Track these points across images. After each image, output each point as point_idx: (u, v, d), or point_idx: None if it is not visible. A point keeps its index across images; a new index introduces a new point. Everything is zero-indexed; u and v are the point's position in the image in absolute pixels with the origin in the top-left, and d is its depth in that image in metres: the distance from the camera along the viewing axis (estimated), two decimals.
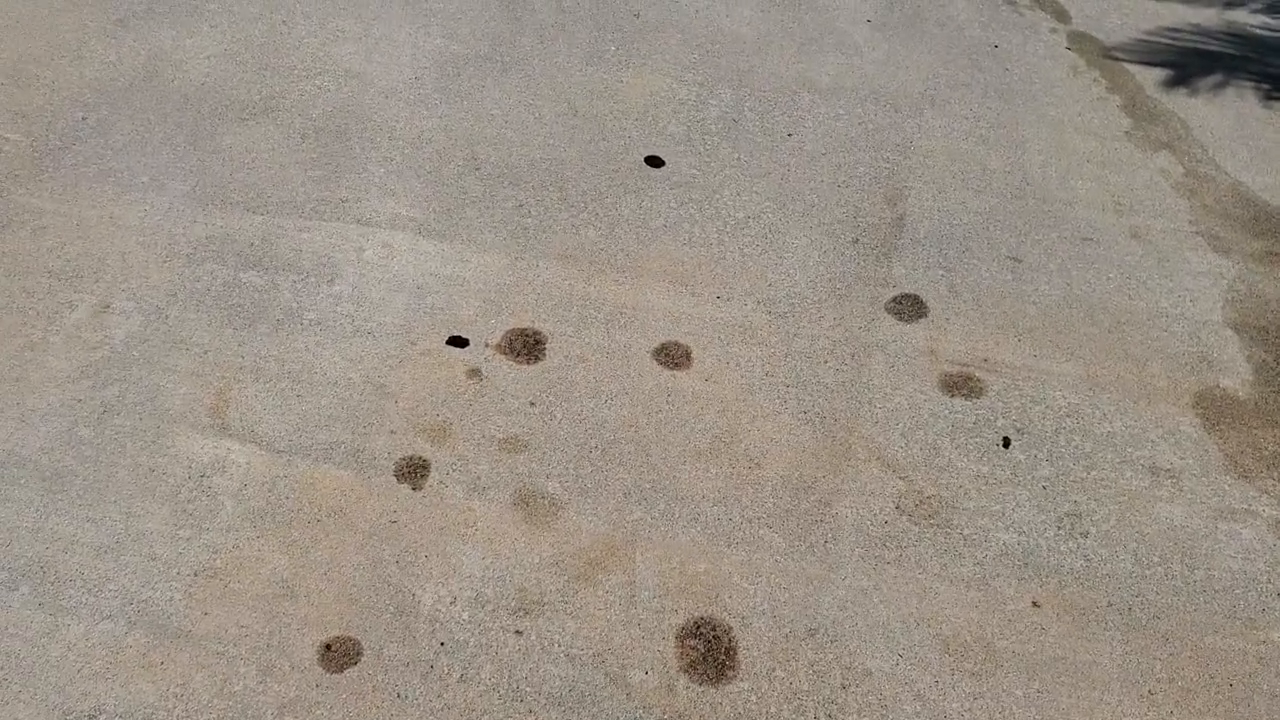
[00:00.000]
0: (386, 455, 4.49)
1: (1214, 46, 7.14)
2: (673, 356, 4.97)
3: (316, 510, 4.30)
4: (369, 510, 4.31)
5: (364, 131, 5.95)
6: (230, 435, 4.52)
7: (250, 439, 4.51)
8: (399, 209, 5.52)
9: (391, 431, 4.57)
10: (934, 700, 3.89)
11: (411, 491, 4.38)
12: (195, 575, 4.06)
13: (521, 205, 5.60)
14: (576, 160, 5.89)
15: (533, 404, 4.72)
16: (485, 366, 4.84)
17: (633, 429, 4.66)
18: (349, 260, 5.26)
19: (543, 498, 4.39)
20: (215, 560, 4.12)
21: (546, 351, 4.93)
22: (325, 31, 6.57)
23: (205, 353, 4.80)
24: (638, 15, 6.89)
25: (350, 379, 4.75)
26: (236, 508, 4.29)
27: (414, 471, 4.46)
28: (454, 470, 4.46)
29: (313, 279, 5.16)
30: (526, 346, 4.95)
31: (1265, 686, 4.01)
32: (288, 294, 5.09)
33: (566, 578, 4.14)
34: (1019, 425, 4.81)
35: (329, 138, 5.90)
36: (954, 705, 3.88)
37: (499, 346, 4.93)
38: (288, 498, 4.33)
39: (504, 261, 5.30)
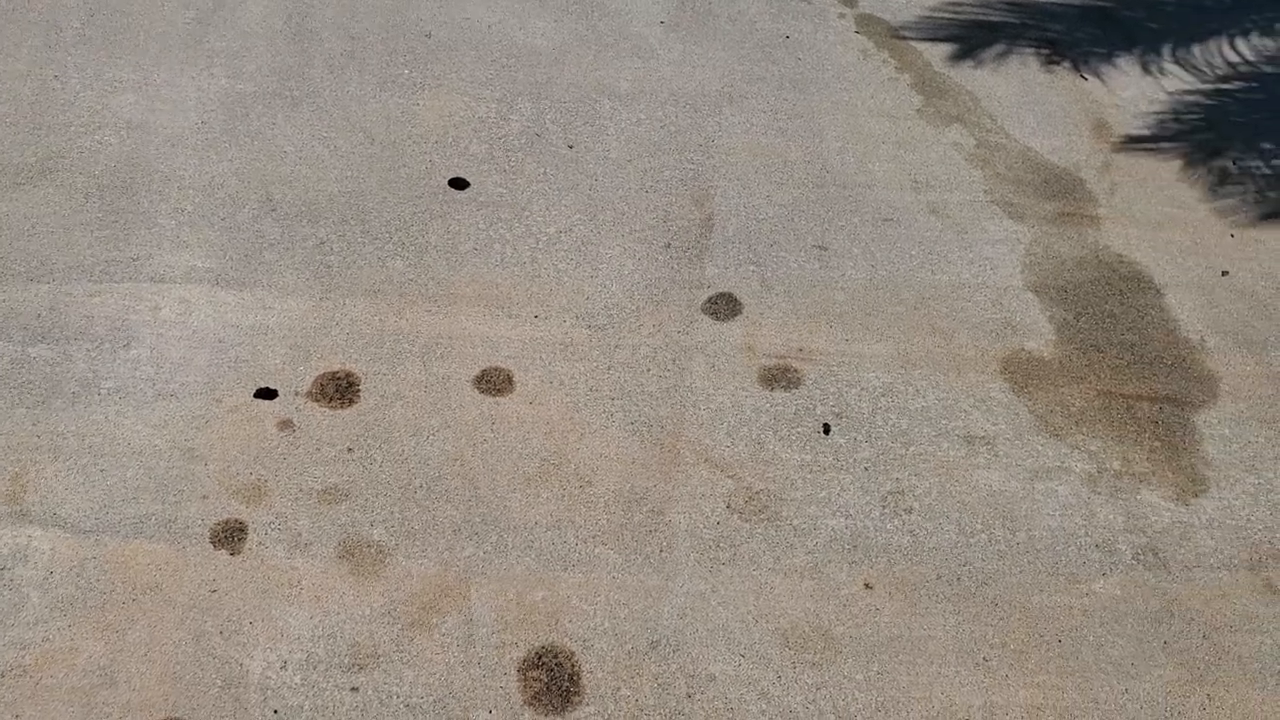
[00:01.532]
0: (200, 522, 4.31)
1: (995, 17, 7.41)
2: (494, 383, 4.90)
3: (131, 589, 4.09)
4: (187, 582, 4.13)
5: (151, 184, 5.69)
6: (30, 521, 4.27)
7: (53, 522, 4.27)
8: (194, 261, 5.30)
9: (204, 496, 4.38)
10: (778, 697, 3.93)
11: (230, 557, 4.21)
12: (2, 676, 3.82)
13: (323, 243, 5.44)
14: (377, 190, 5.76)
15: (350, 450, 4.59)
16: (297, 416, 4.68)
17: (458, 463, 4.58)
18: (145, 321, 5.02)
19: (368, 546, 4.28)
20: (24, 657, 3.88)
21: (361, 393, 4.80)
22: (101, 82, 6.27)
23: None
24: (429, 35, 6.78)
25: (156, 446, 4.54)
26: (43, 598, 4.05)
27: (231, 536, 4.29)
28: (273, 529, 4.30)
29: (107, 345, 4.91)
30: (339, 390, 4.81)
31: (1091, 638, 4.17)
32: (82, 364, 4.83)
33: (400, 626, 4.04)
34: (837, 410, 4.89)
35: (114, 194, 5.62)
36: (797, 699, 3.92)
37: (310, 394, 4.78)
38: (99, 579, 4.11)
39: (309, 304, 5.14)
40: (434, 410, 4.75)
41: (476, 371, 4.92)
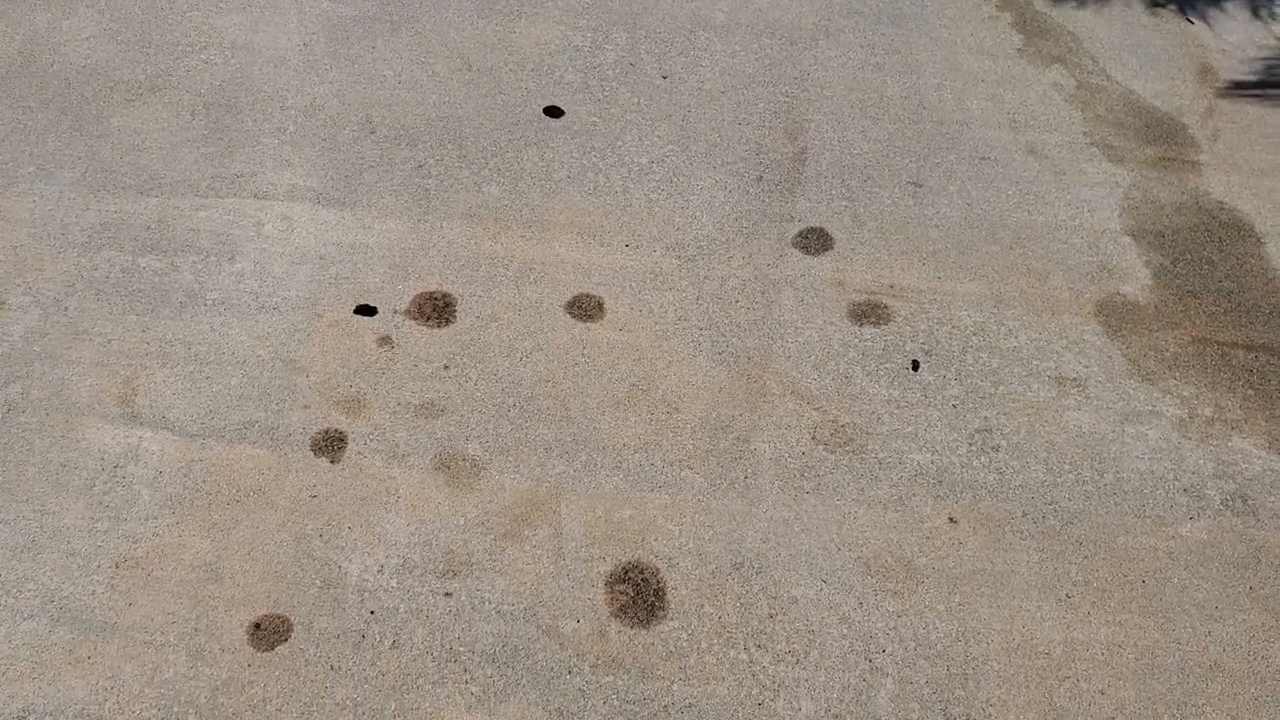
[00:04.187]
0: (302, 430, 4.47)
1: None
2: (585, 309, 4.98)
3: (235, 491, 4.27)
4: (288, 487, 4.29)
5: (255, 103, 5.83)
6: (141, 423, 4.46)
7: (162, 425, 4.46)
8: (296, 180, 5.43)
9: (305, 406, 4.54)
10: (859, 622, 4.00)
11: (330, 465, 4.37)
12: (116, 567, 4.03)
13: (421, 166, 5.54)
14: (474, 116, 5.83)
15: (447, 367, 4.71)
16: (395, 333, 4.81)
17: (549, 384, 4.68)
18: (248, 236, 5.17)
19: (463, 460, 4.40)
20: (136, 550, 4.08)
21: (457, 314, 4.91)
22: (208, 3, 6.40)
23: (108, 342, 4.72)
24: None
25: (259, 356, 4.70)
26: (153, 495, 4.24)
27: (331, 444, 4.44)
28: (371, 440, 4.45)
29: (213, 258, 5.08)
30: (436, 310, 4.92)
31: (1175, 580, 4.18)
32: (188, 275, 5.00)
33: (493, 537, 4.17)
34: (927, 347, 4.90)
35: (219, 112, 5.77)
36: (878, 624, 3.99)
37: (408, 312, 4.91)
38: (205, 481, 4.29)
39: (407, 225, 5.25)
40: (527, 333, 4.85)
41: (569, 297, 5.00)
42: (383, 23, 6.35)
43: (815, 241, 5.32)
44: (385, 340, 4.80)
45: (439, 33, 6.31)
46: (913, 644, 3.95)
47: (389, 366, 4.70)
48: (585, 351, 4.80)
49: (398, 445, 4.44)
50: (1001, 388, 4.77)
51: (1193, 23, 6.79)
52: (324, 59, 6.10)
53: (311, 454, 4.40)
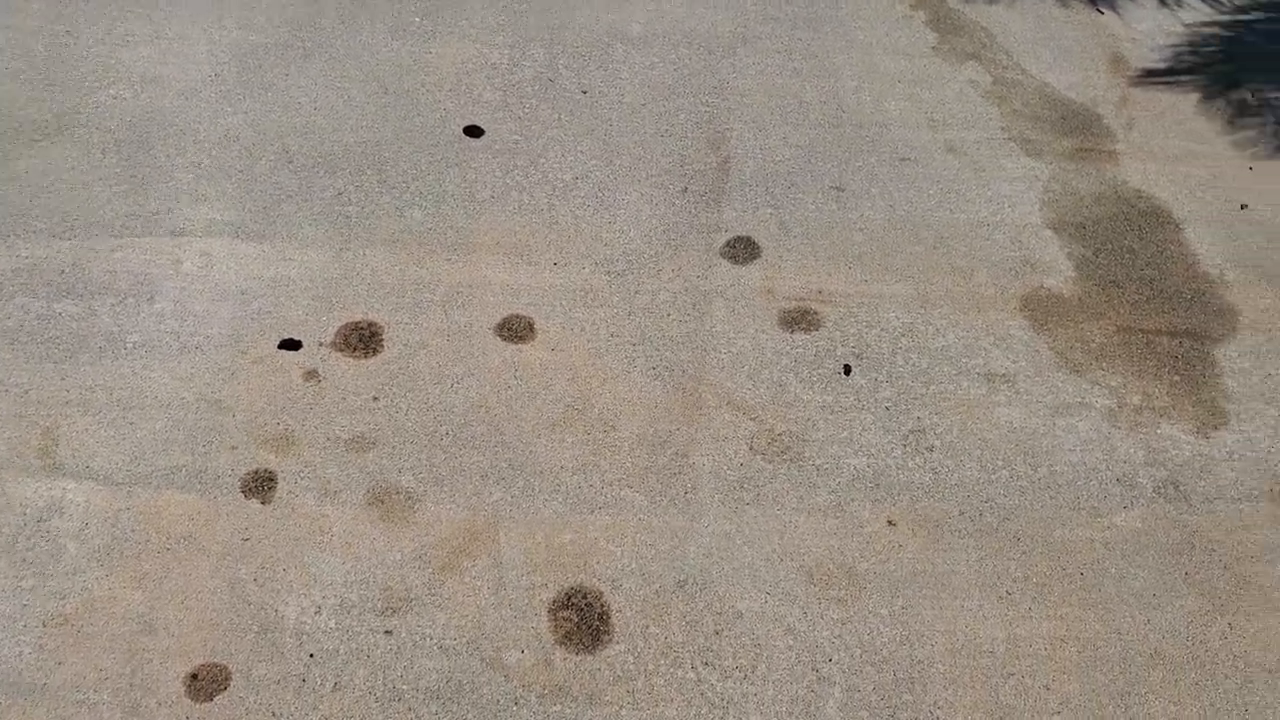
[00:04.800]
0: (231, 472, 4.37)
1: None
2: (516, 330, 4.93)
3: (165, 539, 4.17)
4: (220, 531, 4.20)
5: (168, 137, 5.70)
6: (64, 474, 4.34)
7: (86, 475, 4.34)
8: (213, 214, 5.32)
9: (233, 447, 4.44)
10: (804, 632, 3.99)
11: (261, 506, 4.28)
12: (44, 625, 3.91)
13: (341, 193, 5.46)
14: (393, 139, 5.76)
15: (376, 399, 4.63)
16: (322, 367, 4.73)
17: (483, 409, 4.62)
18: (167, 275, 5.06)
19: (397, 493, 4.33)
20: (64, 606, 3.97)
21: (384, 343, 4.84)
22: (113, 37, 6.26)
23: (25, 392, 4.58)
24: None
25: (183, 398, 4.59)
26: (80, 549, 4.12)
27: (261, 485, 4.35)
28: (302, 478, 4.36)
29: (131, 300, 4.95)
30: (363, 340, 4.84)
31: (1113, 570, 4.22)
32: (107, 319, 4.87)
33: (431, 570, 4.11)
34: (857, 351, 4.92)
35: (131, 149, 5.63)
36: (823, 634, 3.99)
37: (334, 344, 4.82)
38: (133, 530, 4.18)
39: (329, 255, 5.17)
40: (457, 358, 4.79)
41: (498, 319, 4.95)
42: (295, 49, 6.25)
43: (743, 251, 5.32)
44: (312, 374, 4.72)
45: (353, 57, 6.23)
46: (858, 651, 3.95)
47: (317, 401, 4.61)
48: (518, 374, 4.75)
49: (329, 482, 4.36)
50: (932, 387, 4.80)
51: (1102, 13, 6.90)
52: (236, 89, 5.99)
53: (242, 496, 4.31)
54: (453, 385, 4.69)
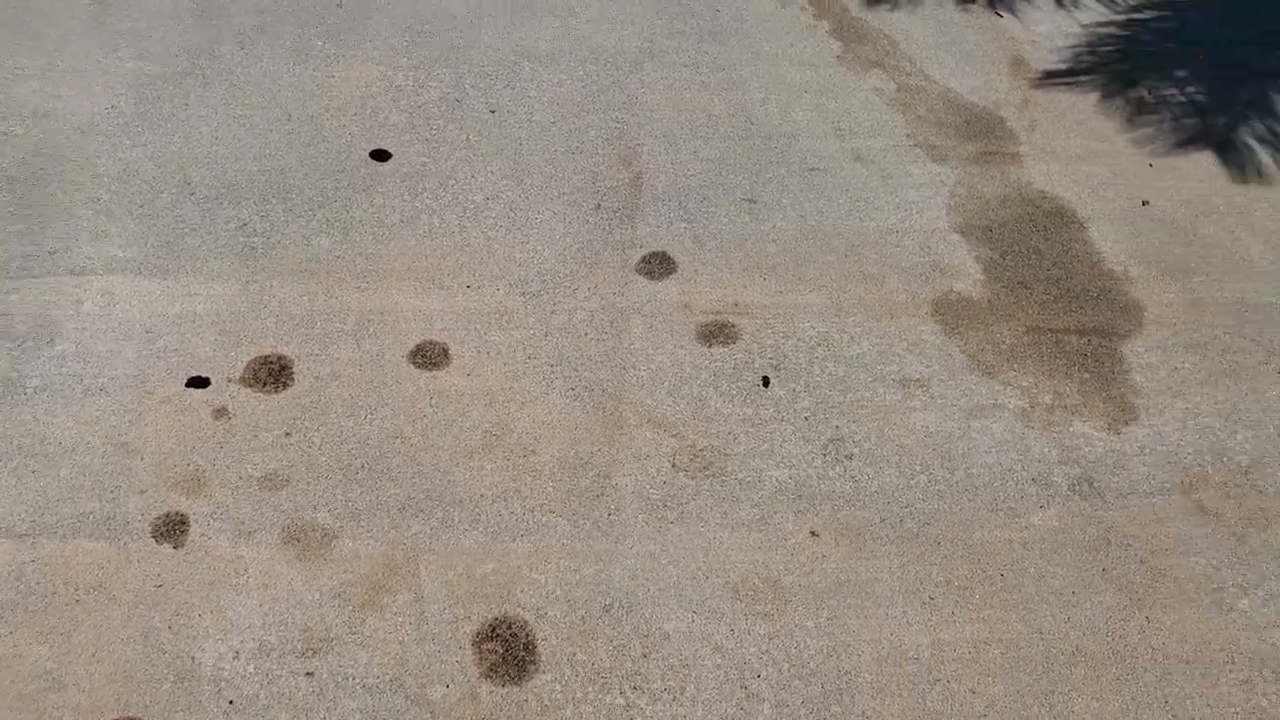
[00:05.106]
0: (140, 517, 4.24)
1: None
2: (430, 356, 4.86)
3: (73, 590, 4.03)
4: (131, 579, 4.07)
5: (64, 173, 5.54)
6: None
7: None
8: (114, 251, 5.17)
9: (142, 491, 4.31)
10: (732, 650, 3.98)
11: (173, 550, 4.16)
12: None
13: (246, 224, 5.34)
14: (297, 167, 5.65)
15: (288, 434, 4.53)
16: (232, 403, 4.61)
17: (398, 440, 4.55)
18: (67, 316, 4.90)
19: (313, 530, 4.24)
20: None
21: (295, 376, 4.74)
22: (3, 71, 6.06)
23: None
24: (340, 5, 6.64)
25: (88, 443, 4.45)
26: None
27: (173, 529, 4.23)
28: (215, 520, 4.25)
29: (30, 343, 4.79)
30: (272, 374, 4.74)
31: (1032, 570, 4.27)
32: (4, 363, 4.71)
33: (351, 608, 4.02)
34: (775, 362, 4.93)
35: (26, 186, 5.46)
36: (751, 650, 3.98)
37: (243, 379, 4.71)
38: (39, 583, 4.04)
39: (235, 288, 5.05)
40: (371, 388, 4.71)
41: (411, 346, 4.88)
42: (194, 78, 6.11)
43: (658, 266, 5.31)
44: (221, 412, 4.60)
45: (255, 83, 6.11)
46: (786, 665, 3.95)
47: (227, 439, 4.50)
48: (433, 401, 4.68)
49: (243, 522, 4.25)
50: (850, 395, 4.82)
51: (1001, 16, 7.02)
52: (134, 121, 5.83)
53: (153, 541, 4.18)
54: (367, 416, 4.61)
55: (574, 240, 5.39)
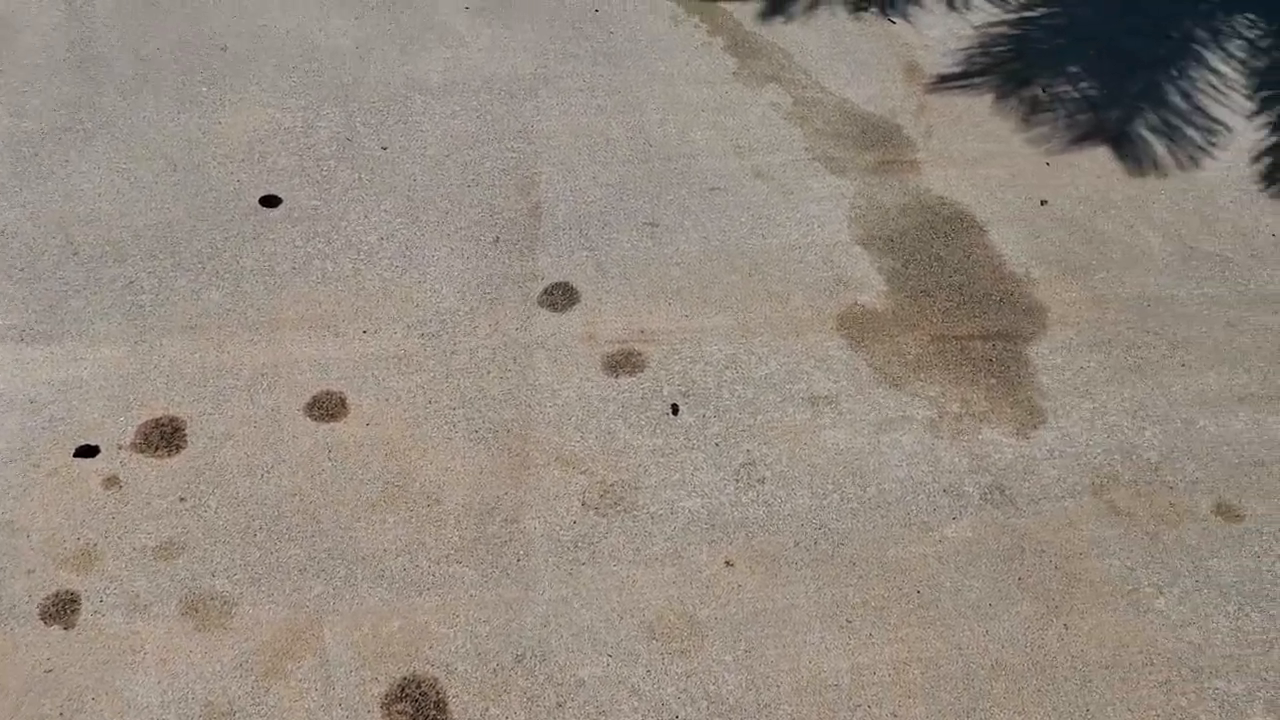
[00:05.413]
0: (28, 599, 4.06)
1: None
2: (327, 408, 4.73)
3: None
4: (18, 666, 3.89)
5: None
6: None
7: None
8: None
9: (29, 571, 4.13)
10: (649, 691, 3.89)
11: (64, 631, 3.98)
12: None
13: (133, 282, 5.16)
14: (185, 219, 5.48)
15: (183, 499, 4.37)
16: (123, 471, 4.44)
17: (297, 498, 4.40)
18: None
19: (212, 598, 4.09)
20: None
21: (188, 438, 4.58)
22: None
23: None
24: (225, 48, 6.47)
25: None
26: None
27: (63, 608, 4.05)
28: (108, 595, 4.08)
29: None
30: (165, 438, 4.58)
31: (948, 584, 4.24)
32: None
33: (254, 677, 3.88)
34: (684, 389, 4.86)
35: None
36: (669, 690, 3.90)
37: (134, 445, 4.54)
38: None
39: (123, 350, 4.88)
40: (266, 446, 4.56)
41: (307, 398, 4.74)
42: (74, 133, 5.91)
43: (561, 297, 5.22)
44: (112, 481, 4.43)
45: (138, 135, 5.93)
46: (705, 703, 3.87)
47: (119, 510, 4.33)
48: (332, 455, 4.55)
49: (138, 595, 4.09)
50: (759, 417, 4.76)
51: (894, 22, 7.03)
52: (11, 180, 5.62)
53: (41, 623, 4.01)
54: (263, 475, 4.47)
55: (473, 276, 5.28)
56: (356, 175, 5.77)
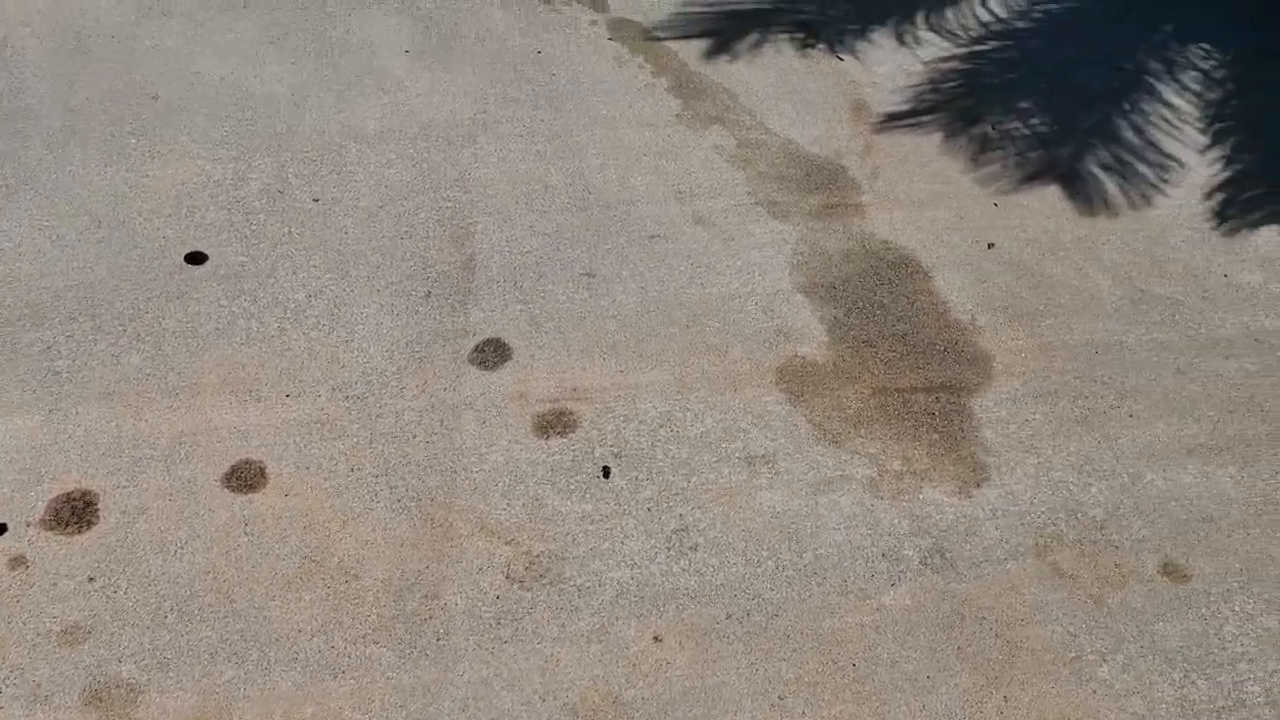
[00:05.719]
0: None
1: (748, 4, 7.30)
2: (245, 478, 4.56)
3: None
4: None
5: None
6: None
7: None
8: None
9: None
10: None
11: None
12: None
13: (50, 347, 5.00)
14: (108, 278, 5.32)
15: (92, 579, 4.20)
16: (30, 550, 4.27)
17: (210, 575, 4.24)
18: None
19: (117, 686, 3.92)
20: None
21: (100, 513, 4.41)
22: None
23: None
24: (156, 98, 6.32)
25: None
26: None
27: None
28: (9, 685, 3.90)
29: None
30: (76, 513, 4.41)
31: (885, 656, 4.09)
32: None
33: None
34: (616, 450, 4.71)
35: None
36: None
37: (43, 522, 4.37)
38: None
39: (36, 419, 4.71)
40: (181, 520, 4.40)
41: (226, 468, 4.58)
42: None
43: (493, 354, 5.07)
44: (18, 561, 4.26)
45: (62, 190, 5.76)
46: None
47: (24, 592, 4.16)
48: (248, 529, 4.38)
49: (39, 685, 3.91)
50: (694, 479, 4.62)
51: (842, 59, 6.92)
52: None
53: None
54: (176, 552, 4.30)
55: (402, 334, 5.13)
56: (287, 229, 5.62)
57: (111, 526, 4.37)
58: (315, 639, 4.07)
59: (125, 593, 4.17)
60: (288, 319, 5.17)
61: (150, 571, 4.24)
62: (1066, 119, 6.55)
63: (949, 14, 7.35)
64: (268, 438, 4.69)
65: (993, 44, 7.16)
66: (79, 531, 4.36)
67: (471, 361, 5.04)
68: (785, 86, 6.67)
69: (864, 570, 4.33)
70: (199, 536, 4.35)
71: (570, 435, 4.76)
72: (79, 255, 5.44)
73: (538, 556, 4.33)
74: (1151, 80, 6.93)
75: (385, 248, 5.55)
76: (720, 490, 4.58)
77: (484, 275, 5.43)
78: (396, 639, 4.08)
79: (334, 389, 4.89)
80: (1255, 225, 5.97)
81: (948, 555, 4.38)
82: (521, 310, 5.27)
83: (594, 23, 7.08)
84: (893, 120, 6.46)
